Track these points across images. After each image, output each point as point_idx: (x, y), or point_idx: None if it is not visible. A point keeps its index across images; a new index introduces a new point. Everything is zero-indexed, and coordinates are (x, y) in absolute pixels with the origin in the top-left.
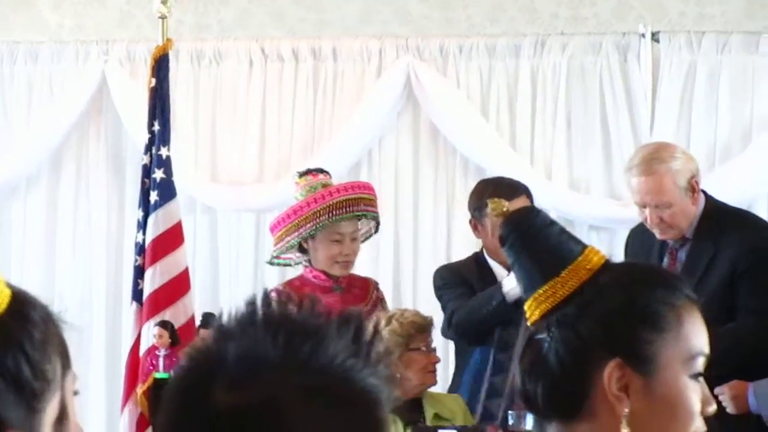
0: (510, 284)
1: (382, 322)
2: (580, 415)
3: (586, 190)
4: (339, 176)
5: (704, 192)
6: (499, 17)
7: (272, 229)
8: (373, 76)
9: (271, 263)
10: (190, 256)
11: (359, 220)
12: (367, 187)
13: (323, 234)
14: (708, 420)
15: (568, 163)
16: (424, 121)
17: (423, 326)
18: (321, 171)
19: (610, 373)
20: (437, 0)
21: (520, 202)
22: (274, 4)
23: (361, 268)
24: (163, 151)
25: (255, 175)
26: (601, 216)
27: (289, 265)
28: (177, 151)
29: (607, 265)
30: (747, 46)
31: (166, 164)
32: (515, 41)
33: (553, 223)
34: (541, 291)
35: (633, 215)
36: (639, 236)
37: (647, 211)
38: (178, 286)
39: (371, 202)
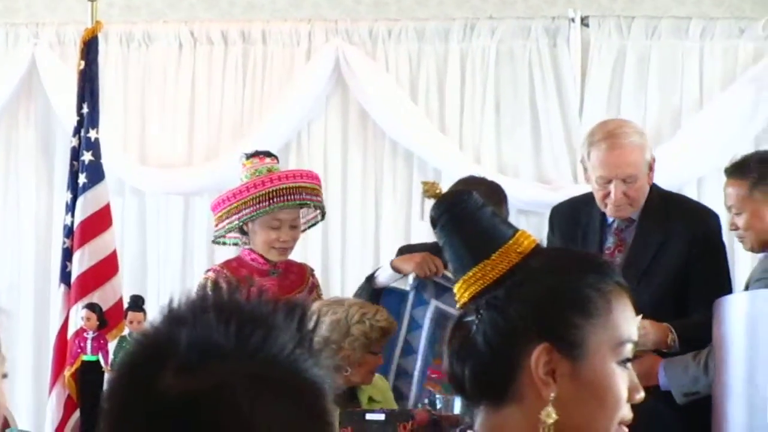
0: (382, 274)
1: (355, 317)
2: (508, 398)
3: (515, 173)
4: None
5: None
6: (428, 1)
7: (213, 209)
8: (303, 60)
9: (215, 242)
10: (118, 238)
11: (301, 208)
12: (311, 176)
13: (262, 219)
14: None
15: (497, 147)
16: (353, 105)
17: (388, 331)
18: (268, 154)
19: (538, 356)
20: None
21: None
22: None
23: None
24: (92, 134)
25: (184, 157)
26: (530, 200)
27: (237, 244)
28: (106, 133)
29: (538, 249)
30: (676, 32)
31: (94, 147)
32: (444, 25)
33: (484, 205)
34: (471, 273)
35: (562, 198)
36: (565, 214)
37: (612, 186)
38: (107, 268)
39: (314, 191)
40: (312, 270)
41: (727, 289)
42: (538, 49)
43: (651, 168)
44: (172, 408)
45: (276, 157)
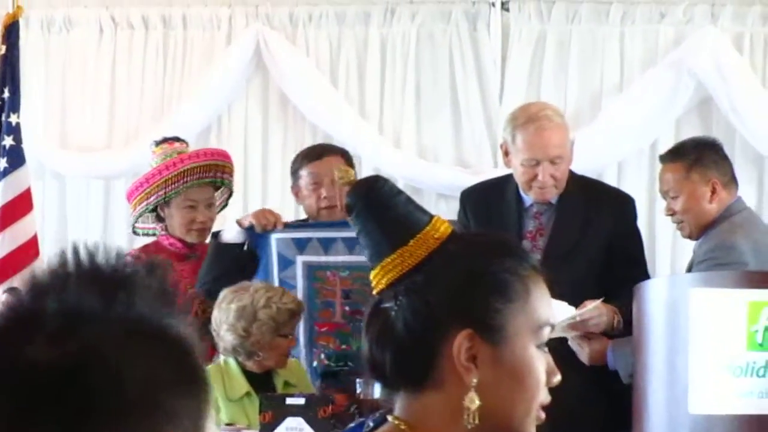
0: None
1: (261, 301)
2: (428, 383)
3: (435, 158)
4: (188, 142)
5: None
6: None
7: (128, 198)
8: (223, 44)
9: (135, 233)
10: (39, 222)
11: (217, 188)
12: (221, 154)
13: (177, 201)
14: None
15: (416, 132)
16: (273, 89)
17: (296, 313)
18: (177, 139)
19: (460, 342)
20: None
21: (334, 161)
22: None
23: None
24: (13, 118)
25: (104, 141)
26: (449, 184)
27: (155, 234)
28: (26, 117)
29: (455, 235)
30: (597, 16)
31: (15, 131)
32: (365, 9)
33: (400, 192)
34: (388, 260)
35: (479, 180)
36: (478, 198)
37: (539, 168)
38: (27, 252)
39: (225, 168)
40: None
41: (646, 272)
42: (458, 34)
43: (572, 150)
44: (43, 380)
45: (185, 142)
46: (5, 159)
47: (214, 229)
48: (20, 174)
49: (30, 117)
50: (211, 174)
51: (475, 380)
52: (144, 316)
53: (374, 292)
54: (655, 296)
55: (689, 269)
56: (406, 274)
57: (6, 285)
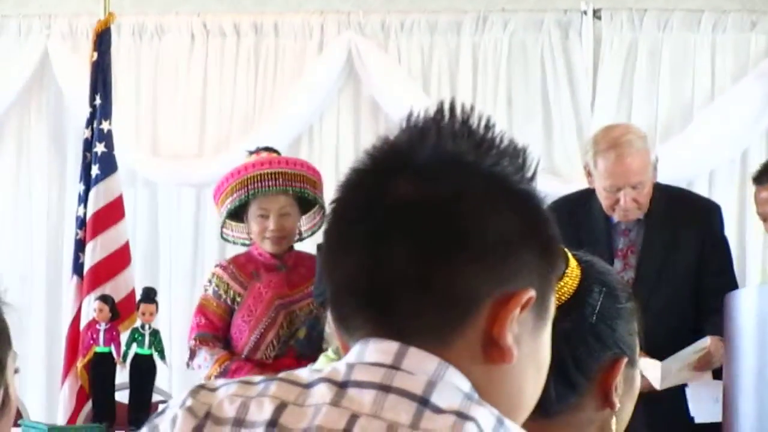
0: None
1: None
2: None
3: None
4: (279, 152)
5: None
6: None
7: (214, 201)
8: (315, 52)
9: (224, 239)
10: (130, 229)
11: (307, 201)
12: (295, 163)
13: (252, 209)
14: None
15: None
16: (365, 98)
17: None
18: (268, 149)
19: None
20: None
21: None
22: None
23: (302, 245)
24: (105, 125)
25: (195, 149)
26: (542, 193)
27: (244, 244)
28: (118, 125)
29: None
30: (688, 24)
31: (107, 138)
32: (456, 18)
33: None
34: None
35: (571, 190)
36: (563, 213)
37: (621, 193)
38: (119, 259)
39: (296, 177)
40: None
41: (734, 281)
42: (550, 42)
43: (655, 168)
44: (406, 209)
45: (276, 151)
46: (97, 166)
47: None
48: (112, 181)
49: (122, 124)
50: (276, 183)
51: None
52: (508, 175)
53: None
54: (745, 306)
55: None
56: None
57: (98, 292)
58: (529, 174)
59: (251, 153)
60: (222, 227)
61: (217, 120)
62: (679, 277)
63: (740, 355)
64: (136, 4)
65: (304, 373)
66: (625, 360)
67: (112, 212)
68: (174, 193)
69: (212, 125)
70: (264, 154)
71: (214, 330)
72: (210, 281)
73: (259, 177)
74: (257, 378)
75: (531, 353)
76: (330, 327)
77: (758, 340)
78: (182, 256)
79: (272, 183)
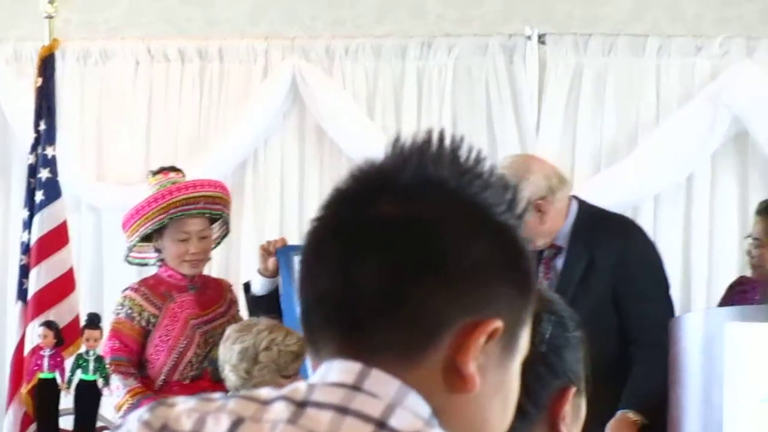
0: (254, 282)
1: (263, 343)
2: None
3: None
4: (224, 176)
5: (577, 198)
6: (385, 18)
7: (123, 227)
8: (259, 77)
9: (128, 262)
10: (75, 255)
11: (214, 220)
12: (211, 185)
13: (170, 232)
14: None
15: None
16: (309, 122)
17: (299, 355)
18: (173, 169)
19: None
20: (324, 0)
21: None
22: (161, 3)
23: (247, 268)
24: (49, 151)
25: (140, 175)
26: None
27: (146, 264)
28: (63, 150)
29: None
30: (633, 49)
31: (51, 164)
32: (401, 42)
33: None
34: None
35: None
36: None
37: None
38: (63, 285)
39: (214, 199)
40: (230, 285)
41: (661, 307)
42: (494, 67)
43: (539, 209)
44: (382, 227)
45: (181, 171)
46: (42, 192)
47: (248, 262)
48: (56, 207)
49: (66, 150)
50: (200, 206)
51: None
52: (490, 206)
53: None
54: (690, 330)
55: None
56: None
57: (43, 318)
58: (518, 211)
59: (154, 174)
60: (129, 252)
61: (161, 145)
62: (589, 306)
63: (685, 379)
64: (81, 29)
65: (264, 392)
66: (574, 389)
67: (57, 238)
68: (119, 218)
69: (157, 151)
70: (172, 174)
71: (129, 353)
72: (122, 304)
73: (184, 201)
74: (216, 395)
75: (496, 385)
76: (222, 347)
77: (704, 364)
78: (127, 282)
79: (194, 206)
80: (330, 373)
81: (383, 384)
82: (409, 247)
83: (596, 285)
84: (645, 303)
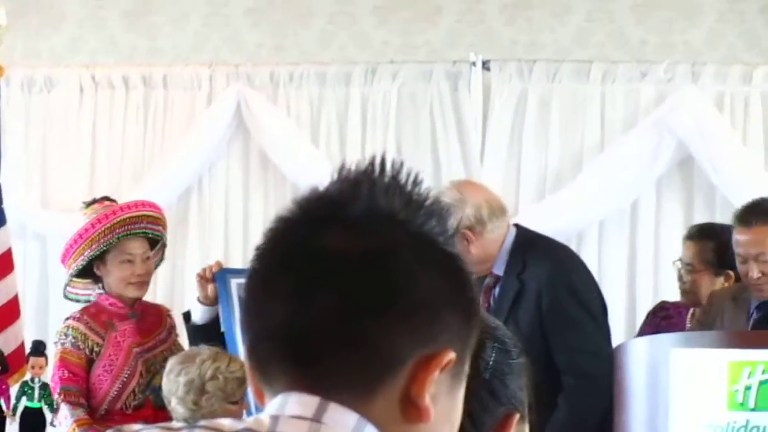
0: (194, 311)
1: (208, 373)
2: None
3: None
4: (169, 203)
5: (518, 225)
6: (329, 45)
7: (63, 259)
8: (204, 104)
9: (66, 297)
10: (20, 282)
11: (156, 242)
12: (151, 205)
13: (113, 255)
14: None
15: None
16: (254, 149)
17: (245, 380)
18: (107, 199)
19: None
20: (268, 27)
21: None
22: (105, 31)
23: (192, 295)
24: None
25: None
26: None
27: (88, 301)
28: (7, 177)
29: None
30: (578, 75)
31: None
32: (345, 69)
33: None
34: None
35: None
36: None
37: None
38: (8, 312)
39: (156, 220)
40: (169, 310)
41: (592, 330)
42: (439, 93)
43: (465, 238)
44: (332, 264)
45: (115, 201)
46: None
47: (191, 288)
48: (1, 234)
49: (11, 177)
50: (142, 225)
51: None
52: (435, 236)
53: None
54: (635, 356)
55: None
56: None
57: None
58: (450, 233)
59: (88, 205)
60: (67, 286)
61: (106, 172)
62: (526, 331)
63: (631, 405)
64: (26, 56)
65: (226, 422)
66: (518, 416)
67: (1, 265)
68: (64, 245)
69: (101, 178)
70: (107, 203)
71: (78, 383)
72: (66, 334)
73: (129, 220)
74: (177, 424)
75: (446, 412)
76: (166, 380)
77: (649, 390)
78: (72, 309)
79: (137, 225)
80: (287, 406)
81: (342, 416)
82: (363, 283)
83: (524, 314)
84: (571, 331)
